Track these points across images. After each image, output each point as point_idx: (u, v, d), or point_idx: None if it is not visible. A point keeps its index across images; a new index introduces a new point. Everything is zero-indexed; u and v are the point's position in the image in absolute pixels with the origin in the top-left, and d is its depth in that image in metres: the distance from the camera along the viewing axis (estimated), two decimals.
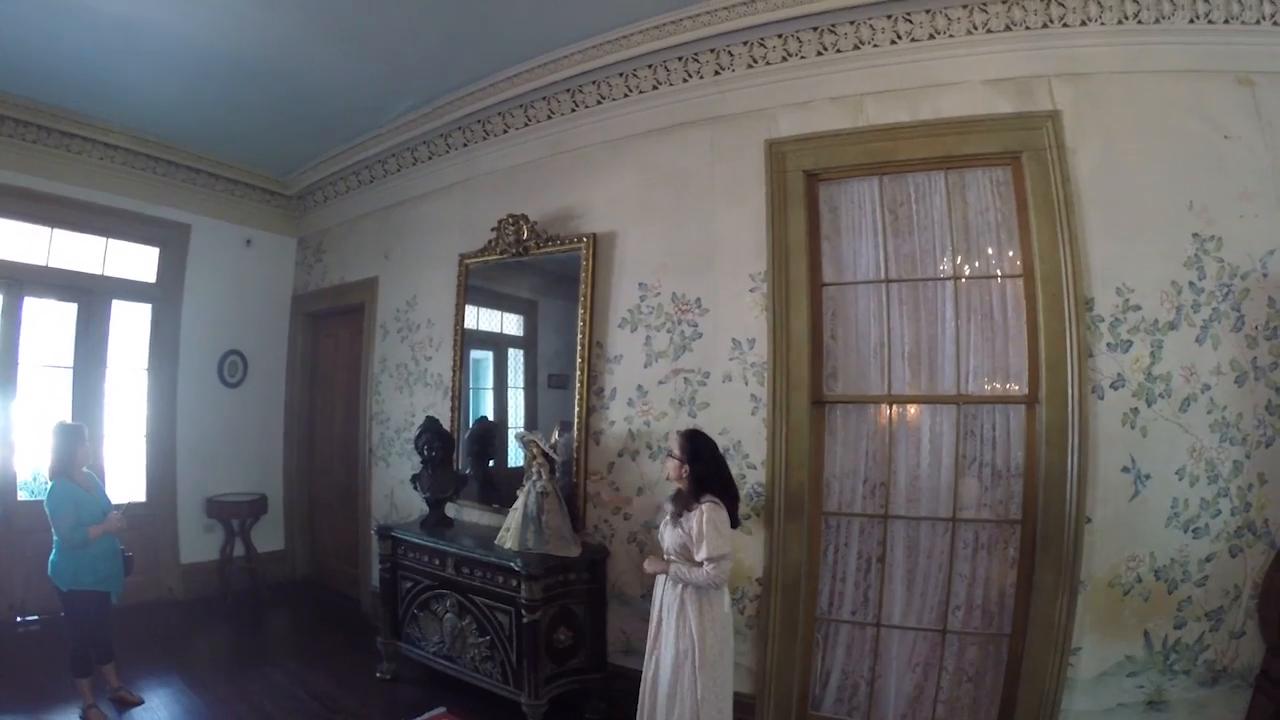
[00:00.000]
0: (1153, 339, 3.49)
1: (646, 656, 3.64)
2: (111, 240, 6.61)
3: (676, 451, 3.54)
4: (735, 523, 3.49)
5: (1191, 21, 3.56)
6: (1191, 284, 3.47)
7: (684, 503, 3.50)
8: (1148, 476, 3.47)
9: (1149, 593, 3.45)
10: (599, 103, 5.01)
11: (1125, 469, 3.50)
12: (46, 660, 4.89)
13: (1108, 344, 3.54)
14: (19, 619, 5.70)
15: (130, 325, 6.76)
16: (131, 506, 4.36)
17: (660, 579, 3.62)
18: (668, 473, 3.63)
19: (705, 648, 3.37)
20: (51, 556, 4.21)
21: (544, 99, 5.21)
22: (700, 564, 3.33)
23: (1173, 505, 3.44)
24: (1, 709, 4.17)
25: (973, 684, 3.84)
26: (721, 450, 3.93)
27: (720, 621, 3.45)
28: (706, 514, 3.34)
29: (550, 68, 4.91)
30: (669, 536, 3.52)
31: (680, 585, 3.44)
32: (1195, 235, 3.48)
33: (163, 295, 6.92)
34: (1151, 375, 3.48)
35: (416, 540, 4.96)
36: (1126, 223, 3.56)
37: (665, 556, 3.55)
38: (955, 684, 3.86)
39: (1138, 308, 3.51)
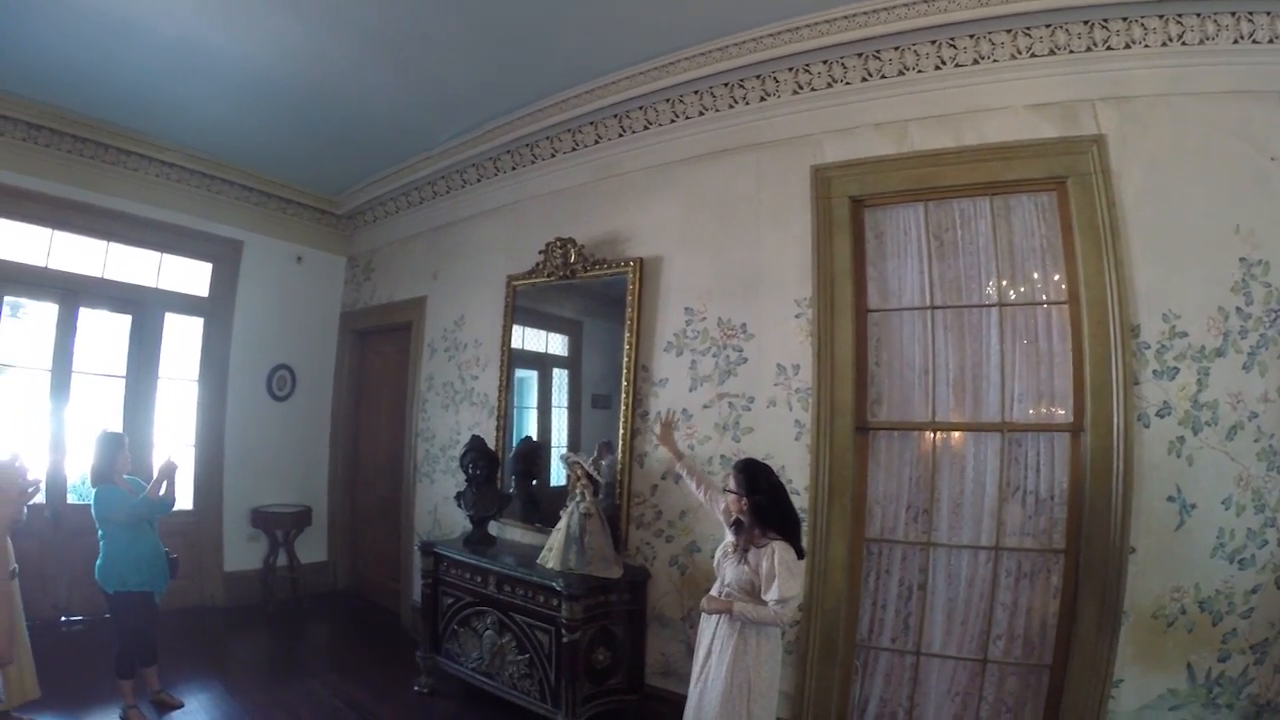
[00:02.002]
0: (1199, 366, 3.53)
1: (692, 685, 3.62)
2: (165, 255, 7.03)
3: (733, 485, 3.51)
4: (801, 553, 3.43)
5: (1236, 42, 3.62)
6: (1239, 309, 3.50)
7: (748, 537, 3.48)
8: (1193, 506, 3.50)
9: (1193, 624, 3.47)
10: (646, 128, 5.23)
11: (1170, 498, 3.53)
12: (89, 660, 5.20)
13: (1153, 371, 3.59)
14: (64, 619, 6.05)
15: (182, 337, 7.15)
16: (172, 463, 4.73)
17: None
18: (729, 509, 3.61)
19: (759, 679, 3.39)
20: (98, 561, 4.52)
21: (591, 124, 5.45)
22: (765, 601, 3.32)
23: (1218, 535, 3.46)
24: (45, 707, 4.39)
25: (1012, 715, 3.88)
26: None
27: (774, 655, 3.48)
28: (778, 554, 3.31)
29: (598, 94, 5.14)
30: (731, 572, 3.50)
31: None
32: (1242, 259, 3.52)
33: (214, 309, 7.32)
34: (1198, 403, 3.52)
35: (459, 557, 5.15)
36: (1172, 247, 3.62)
37: (723, 590, 3.54)
38: (995, 714, 3.91)
39: (1184, 334, 3.56)
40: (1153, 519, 3.56)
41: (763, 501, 3.43)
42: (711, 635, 3.55)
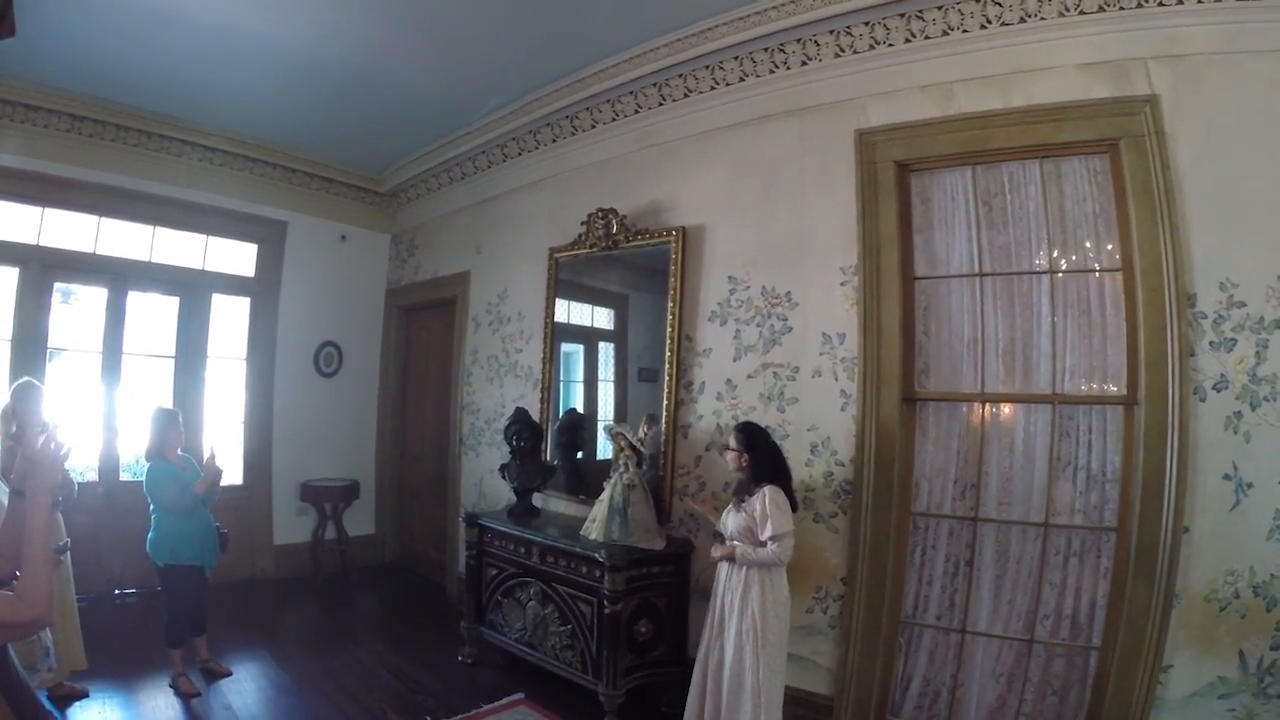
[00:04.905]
0: (1258, 338, 3.40)
1: (702, 640, 3.98)
2: (211, 237, 7.33)
3: (734, 444, 3.95)
4: (794, 505, 3.88)
5: None
6: None
7: (744, 489, 3.93)
8: (1250, 485, 3.39)
9: (1246, 610, 3.36)
10: (686, 96, 5.25)
11: (1226, 476, 3.43)
12: (141, 631, 5.52)
13: (1210, 342, 3.49)
14: (117, 591, 6.44)
15: (230, 317, 7.46)
16: (214, 458, 4.96)
17: (723, 566, 3.94)
18: (730, 465, 4.05)
19: (767, 628, 3.70)
20: (150, 535, 4.78)
21: (631, 94, 5.49)
22: (764, 544, 3.71)
23: (1275, 517, 3.34)
24: (98, 674, 4.71)
25: (1058, 698, 3.86)
26: (809, 446, 4.40)
27: (781, 603, 3.78)
28: (769, 495, 3.74)
29: (636, 62, 5.17)
30: (731, 521, 3.90)
31: (744, 569, 3.77)
32: None
33: (261, 289, 7.62)
34: (1256, 377, 3.41)
35: (503, 528, 5.32)
36: (1230, 213, 3.49)
37: (728, 542, 3.88)
38: (1039, 697, 3.90)
39: (1242, 304, 3.44)
40: (1208, 498, 3.47)
41: (760, 458, 3.89)
42: (722, 589, 3.92)
